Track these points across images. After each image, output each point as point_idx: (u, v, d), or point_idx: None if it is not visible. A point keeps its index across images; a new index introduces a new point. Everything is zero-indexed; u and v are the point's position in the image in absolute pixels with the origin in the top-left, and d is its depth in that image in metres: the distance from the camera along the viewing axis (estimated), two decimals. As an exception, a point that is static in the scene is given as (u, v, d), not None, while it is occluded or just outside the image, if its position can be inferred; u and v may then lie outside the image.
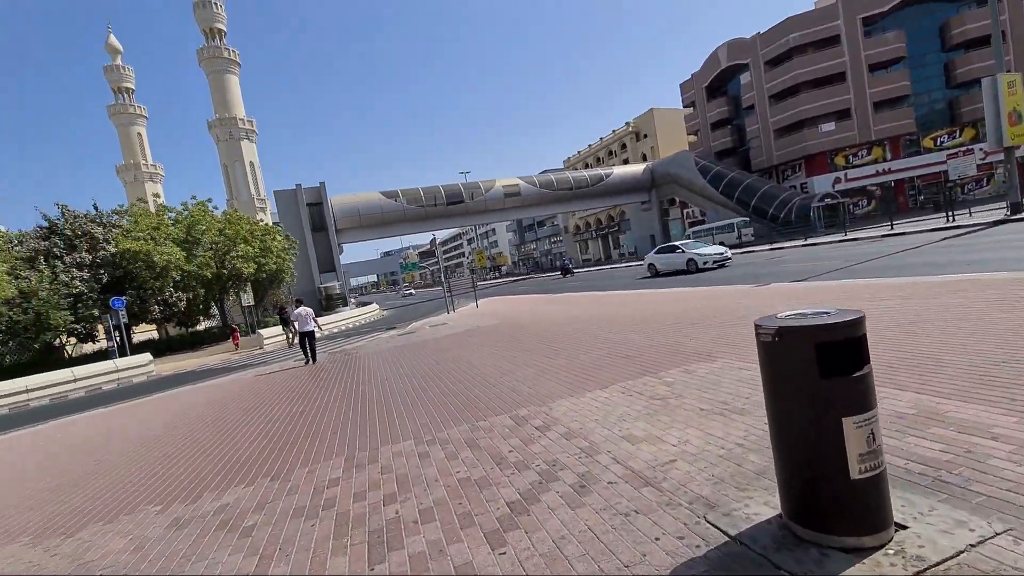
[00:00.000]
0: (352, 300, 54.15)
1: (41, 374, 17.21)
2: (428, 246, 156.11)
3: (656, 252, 23.76)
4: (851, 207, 40.91)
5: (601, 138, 68.97)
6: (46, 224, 26.71)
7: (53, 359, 23.86)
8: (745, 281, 13.19)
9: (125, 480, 5.11)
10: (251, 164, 53.18)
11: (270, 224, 36.58)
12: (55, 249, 25.04)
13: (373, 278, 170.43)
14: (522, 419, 4.60)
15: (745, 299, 9.59)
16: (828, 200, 38.25)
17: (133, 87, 68.03)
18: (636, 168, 54.74)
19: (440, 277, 32.43)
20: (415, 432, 4.85)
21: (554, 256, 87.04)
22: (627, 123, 63.56)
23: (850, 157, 42.37)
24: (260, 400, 8.49)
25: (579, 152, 73.72)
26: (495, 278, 63.24)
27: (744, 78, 47.21)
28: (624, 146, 64.86)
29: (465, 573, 2.35)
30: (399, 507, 3.19)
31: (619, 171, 54.10)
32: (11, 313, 21.25)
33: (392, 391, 7.05)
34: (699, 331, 7.18)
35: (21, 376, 17.04)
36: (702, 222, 50.07)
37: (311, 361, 12.68)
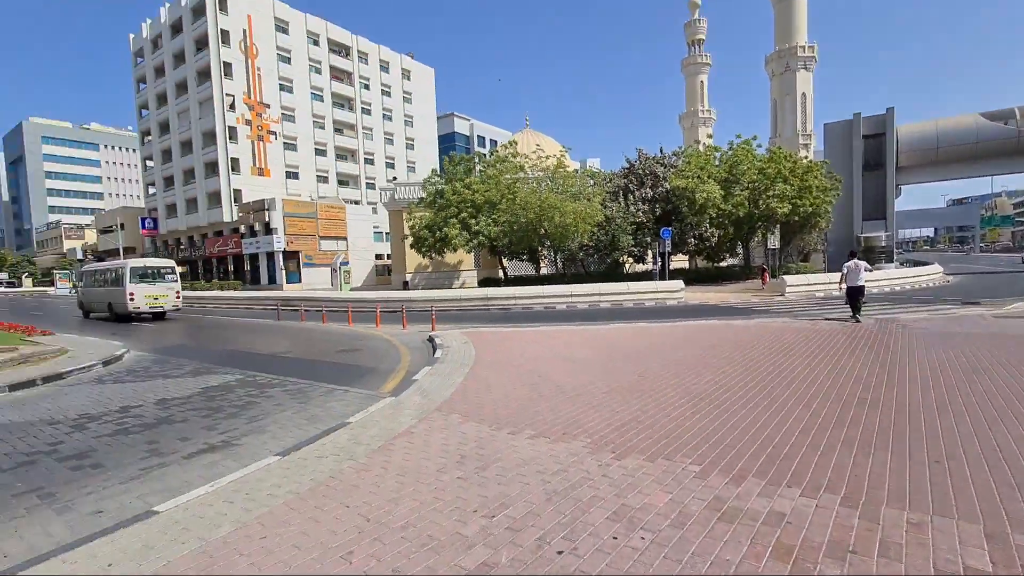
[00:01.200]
0: (896, 257, 43.85)
1: (608, 284, 22.16)
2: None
3: None
4: None
5: None
6: (627, 165, 33.49)
7: (616, 272, 30.56)
8: None
9: (661, 409, 5.04)
10: (803, 95, 49.30)
11: (812, 161, 33.04)
12: (630, 185, 31.15)
13: (929, 231, 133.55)
14: None
15: None
16: None
17: (704, 37, 74.75)
18: None
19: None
20: None
21: None
22: None
23: None
24: (799, 359, 7.23)
25: None
26: None
27: None
28: None
29: None
30: None
31: None
32: (599, 234, 28.22)
33: (1033, 419, 4.23)
34: None
35: (596, 283, 22.56)
36: None
37: (855, 318, 11.46)
